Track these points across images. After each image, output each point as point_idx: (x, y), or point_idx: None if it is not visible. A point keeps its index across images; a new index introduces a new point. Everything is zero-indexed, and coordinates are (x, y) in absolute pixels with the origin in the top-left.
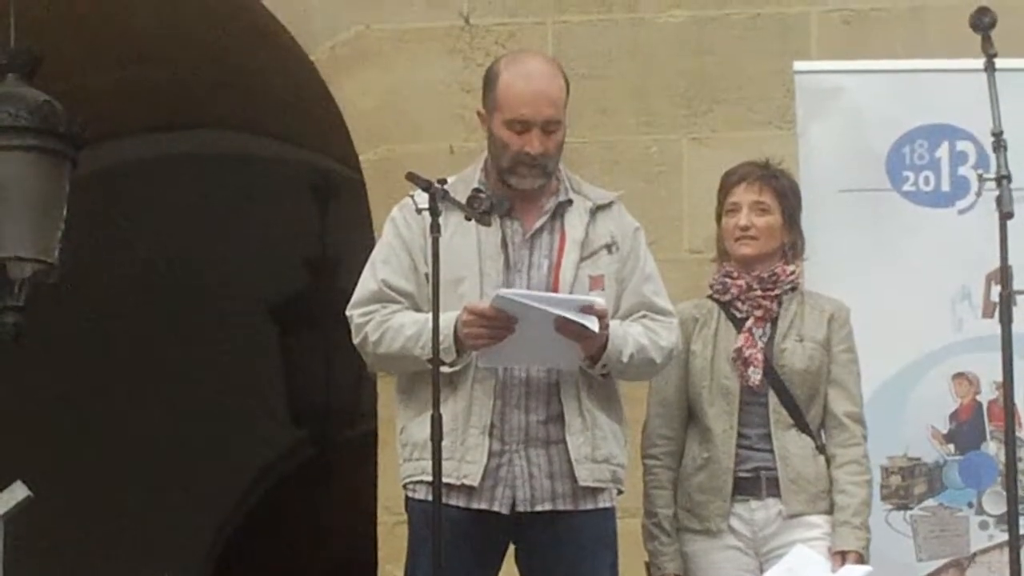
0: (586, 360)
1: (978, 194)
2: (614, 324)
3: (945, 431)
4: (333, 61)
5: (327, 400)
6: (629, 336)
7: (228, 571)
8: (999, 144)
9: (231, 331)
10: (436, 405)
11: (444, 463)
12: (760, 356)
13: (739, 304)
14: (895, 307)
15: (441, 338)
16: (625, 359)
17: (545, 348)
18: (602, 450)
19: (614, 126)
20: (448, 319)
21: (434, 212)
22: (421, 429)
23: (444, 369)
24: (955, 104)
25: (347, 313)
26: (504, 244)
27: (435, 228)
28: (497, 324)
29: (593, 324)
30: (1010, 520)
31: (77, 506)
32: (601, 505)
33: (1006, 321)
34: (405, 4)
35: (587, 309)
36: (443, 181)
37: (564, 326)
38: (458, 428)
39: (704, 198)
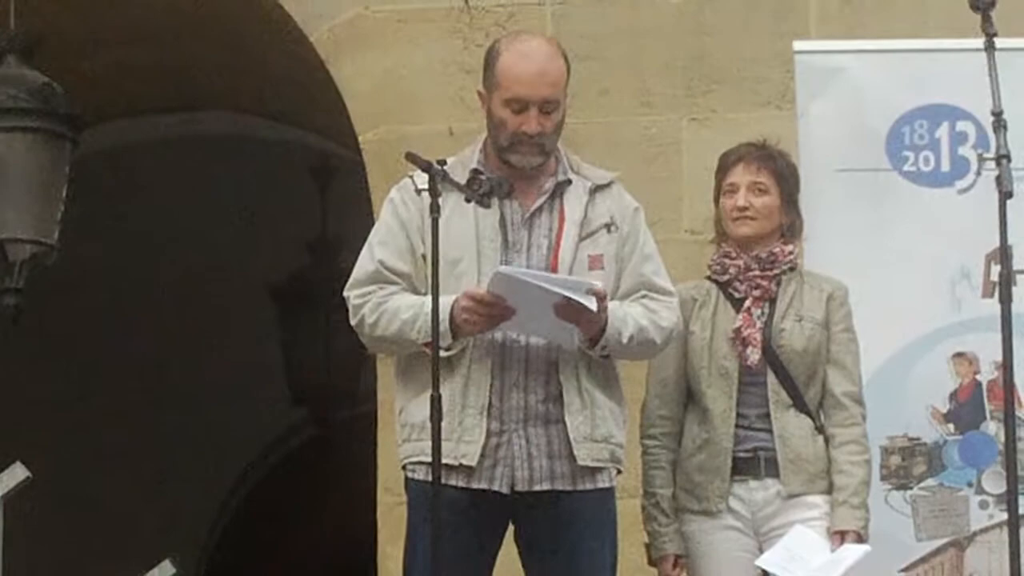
0: (586, 342)
1: (978, 174)
2: (613, 305)
3: (945, 411)
4: (332, 42)
5: (327, 381)
6: (629, 317)
7: (229, 552)
8: (999, 124)
9: (231, 312)
10: (435, 386)
11: (442, 444)
12: (759, 336)
13: (737, 284)
14: (895, 287)
15: None
16: (625, 340)
17: (544, 329)
18: (601, 429)
19: (613, 107)
20: (445, 304)
21: (433, 193)
22: (420, 410)
23: (440, 352)
24: (955, 84)
25: (344, 294)
26: (502, 224)
27: (435, 209)
28: (495, 311)
29: (592, 304)
30: (1010, 500)
31: (77, 488)
32: (600, 485)
33: (1006, 300)
34: None
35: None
36: (442, 162)
37: (563, 310)
38: (455, 408)
39: (703, 179)
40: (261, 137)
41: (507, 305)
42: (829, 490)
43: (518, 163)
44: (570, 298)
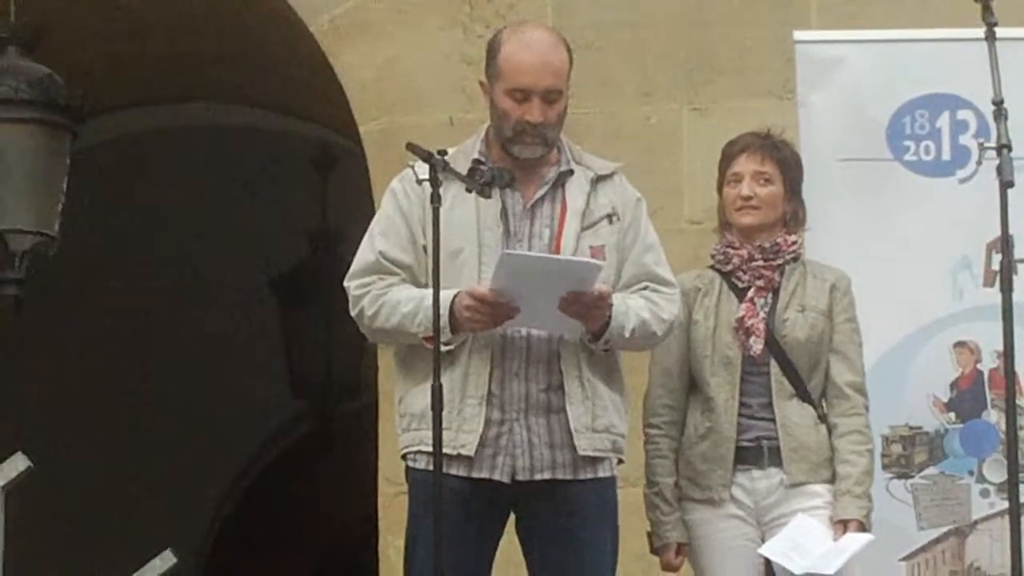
0: (588, 336)
1: (979, 163)
2: (616, 299)
3: (946, 400)
4: (333, 32)
5: (328, 372)
6: (631, 311)
7: (230, 543)
8: (1000, 113)
9: (231, 304)
10: (436, 375)
11: (442, 433)
12: (762, 326)
13: (741, 274)
14: (896, 276)
15: None
16: (627, 335)
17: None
18: (602, 419)
19: (614, 97)
20: (445, 299)
21: (434, 183)
22: (420, 399)
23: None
24: (956, 73)
25: (344, 284)
26: (504, 214)
27: (435, 199)
28: (499, 311)
29: (599, 265)
30: (1011, 488)
31: (77, 480)
32: (601, 474)
33: (1007, 290)
34: None
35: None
36: (443, 152)
37: (568, 304)
38: (455, 398)
39: (704, 169)
40: (262, 128)
41: (510, 304)
42: (832, 479)
43: (520, 154)
44: (578, 263)
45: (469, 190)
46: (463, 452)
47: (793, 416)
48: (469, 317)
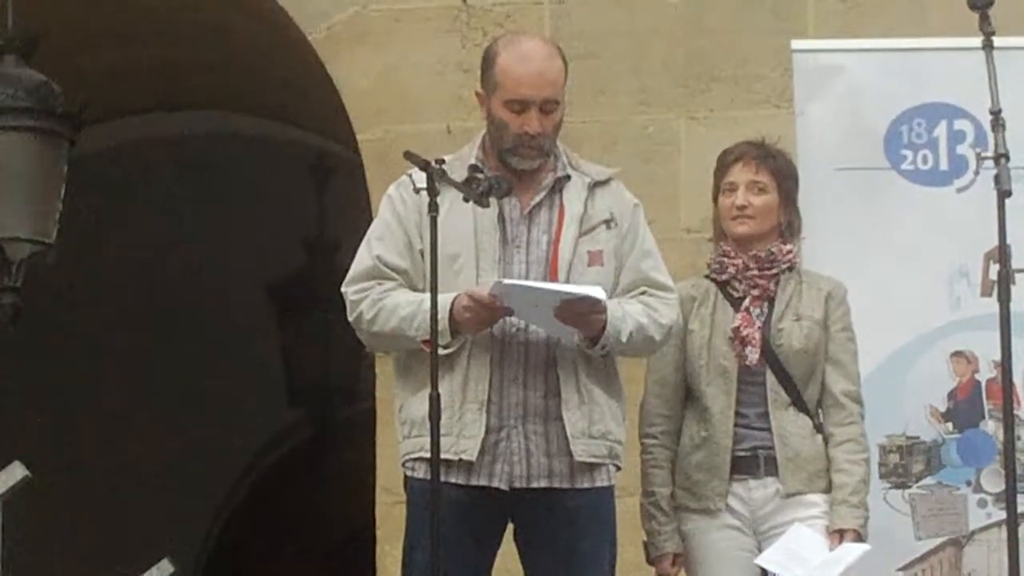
0: (585, 341)
1: (976, 173)
2: (612, 304)
3: (943, 410)
4: (331, 41)
5: (325, 380)
6: (628, 316)
7: (227, 551)
8: (997, 123)
9: (229, 312)
10: (434, 385)
11: (442, 439)
12: (757, 335)
13: (736, 283)
14: (893, 286)
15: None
16: (624, 339)
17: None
18: (599, 425)
19: (611, 106)
20: (444, 302)
21: (432, 192)
22: (419, 406)
23: (439, 350)
24: (953, 83)
25: (342, 290)
26: (501, 219)
27: (433, 207)
28: (496, 314)
29: (596, 292)
30: (1008, 498)
31: (75, 488)
32: (598, 484)
33: (1004, 300)
34: None
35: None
36: (441, 160)
37: (564, 313)
38: (455, 404)
39: (701, 178)
40: (259, 136)
41: (507, 307)
42: (828, 489)
43: (518, 166)
44: (573, 294)
45: (467, 199)
46: (464, 457)
47: (789, 426)
48: (470, 318)
